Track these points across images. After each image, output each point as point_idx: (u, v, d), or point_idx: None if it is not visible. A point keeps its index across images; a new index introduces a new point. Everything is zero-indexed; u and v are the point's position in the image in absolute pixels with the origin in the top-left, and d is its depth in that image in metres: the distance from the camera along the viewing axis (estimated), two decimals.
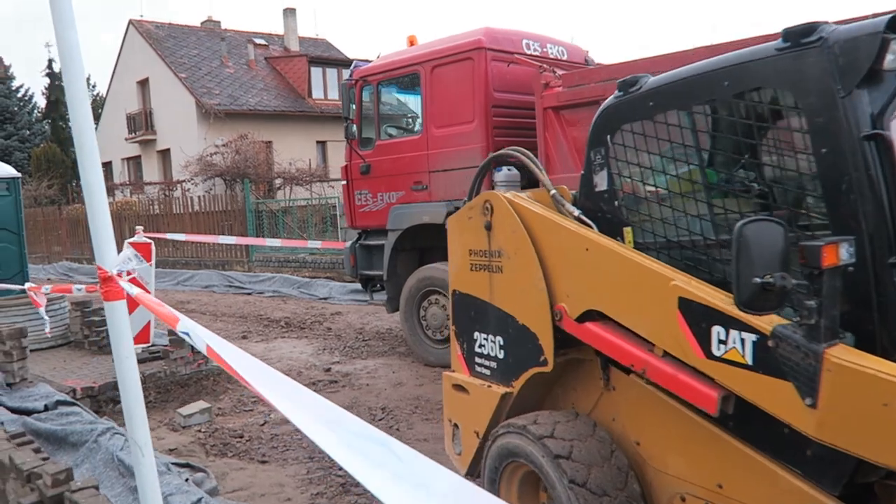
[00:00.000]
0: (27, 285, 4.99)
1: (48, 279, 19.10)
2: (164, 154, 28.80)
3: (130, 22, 30.08)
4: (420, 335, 7.65)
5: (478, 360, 3.66)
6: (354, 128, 7.94)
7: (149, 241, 7.38)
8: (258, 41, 31.94)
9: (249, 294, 14.04)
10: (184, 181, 24.53)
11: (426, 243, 8.01)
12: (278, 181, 25.19)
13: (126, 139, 30.34)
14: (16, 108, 37.92)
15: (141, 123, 29.53)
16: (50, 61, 41.17)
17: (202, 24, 32.59)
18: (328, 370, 7.72)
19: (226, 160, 24.83)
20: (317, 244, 11.36)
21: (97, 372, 7.08)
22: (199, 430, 5.99)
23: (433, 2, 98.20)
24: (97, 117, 39.36)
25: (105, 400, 6.59)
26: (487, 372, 3.58)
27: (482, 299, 3.56)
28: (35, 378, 6.49)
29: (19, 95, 39.45)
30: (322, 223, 17.53)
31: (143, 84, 29.76)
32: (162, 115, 28.53)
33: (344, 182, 8.39)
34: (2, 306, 8.17)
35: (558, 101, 6.34)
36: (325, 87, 30.01)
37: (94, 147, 2.34)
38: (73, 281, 19.18)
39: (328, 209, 18.24)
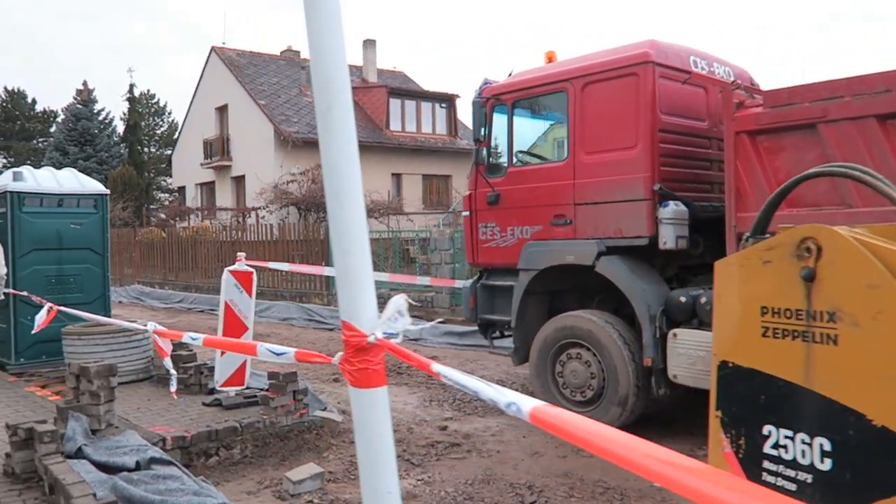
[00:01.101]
0: (151, 327, 4.09)
1: (119, 302, 18.65)
2: (239, 180, 28.58)
3: (213, 49, 30.22)
4: (555, 394, 6.54)
5: (769, 464, 2.55)
6: (484, 152, 6.97)
7: (250, 269, 6.51)
8: None
9: (332, 330, 13.13)
10: (258, 208, 24.10)
11: (560, 287, 6.95)
12: None
13: (202, 164, 30.28)
14: (96, 131, 38.58)
15: (217, 149, 29.44)
16: (131, 86, 42.05)
17: (282, 53, 32.62)
18: (444, 429, 6.65)
19: (301, 189, 24.38)
20: (425, 280, 10.42)
21: (186, 417, 6.17)
22: (311, 501, 4.99)
23: (509, 36, 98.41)
24: (173, 143, 39.86)
25: (197, 452, 5.66)
26: (792, 486, 2.45)
27: (786, 380, 2.46)
28: (121, 422, 5.60)
29: (100, 118, 40.19)
30: (395, 257, 16.67)
31: (222, 110, 29.74)
32: (239, 142, 28.37)
33: (466, 213, 7.41)
34: (82, 334, 7.38)
35: (757, 123, 5.25)
36: (402, 119, 29.52)
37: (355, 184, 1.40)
38: (145, 305, 18.70)
39: (398, 243, 17.33)
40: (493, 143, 7.21)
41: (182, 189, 34.26)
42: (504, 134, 7.12)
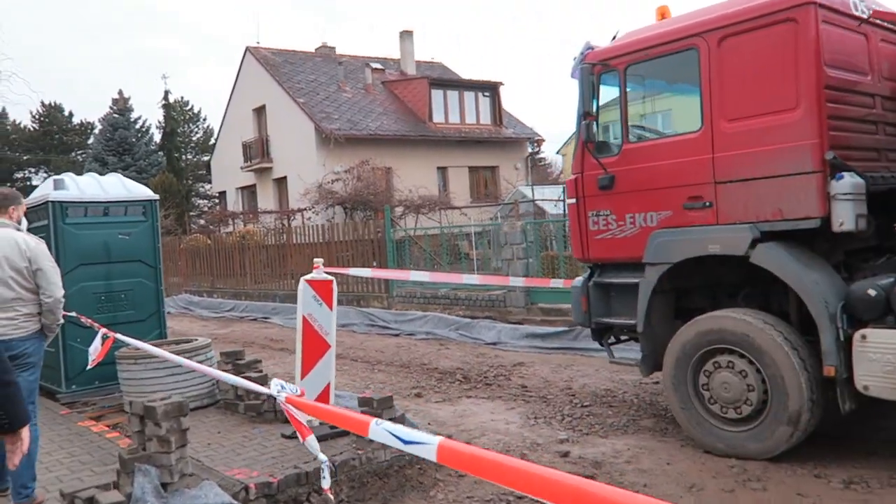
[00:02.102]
0: (277, 390, 3.26)
1: (168, 312, 17.94)
2: (281, 182, 27.85)
3: (247, 49, 29.53)
4: (698, 410, 5.45)
5: None
6: (595, 127, 5.89)
7: (330, 277, 5.53)
8: (374, 65, 30.84)
9: (397, 335, 12.17)
10: (304, 209, 23.29)
11: (690, 283, 5.86)
12: (399, 209, 23.64)
13: (242, 168, 29.64)
14: (133, 140, 38.26)
15: (257, 151, 28.75)
16: (166, 93, 41.71)
17: (316, 49, 31.82)
18: (565, 455, 5.62)
19: (346, 187, 23.53)
20: (518, 281, 9.34)
21: (266, 454, 5.23)
22: None
23: (541, 24, 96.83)
24: (210, 149, 39.36)
25: (285, 500, 4.71)
26: None
27: None
28: (193, 465, 4.66)
29: (137, 127, 39.88)
30: (450, 254, 15.66)
31: (260, 111, 29.04)
32: (279, 143, 27.63)
33: (572, 200, 6.34)
34: (139, 358, 6.49)
35: None
36: (445, 111, 28.53)
37: None
38: (195, 315, 17.99)
39: (447, 238, 16.32)
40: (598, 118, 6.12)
41: (223, 194, 33.70)
42: (615, 105, 6.04)
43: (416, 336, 11.86)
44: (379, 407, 5.14)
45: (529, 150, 31.75)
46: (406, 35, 32.34)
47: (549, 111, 78.84)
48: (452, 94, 29.06)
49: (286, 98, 26.42)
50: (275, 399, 6.25)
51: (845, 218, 4.84)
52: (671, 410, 5.74)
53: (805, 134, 4.90)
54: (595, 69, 5.99)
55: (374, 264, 15.64)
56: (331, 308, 5.52)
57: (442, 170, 28.29)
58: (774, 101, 5.04)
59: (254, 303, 17.45)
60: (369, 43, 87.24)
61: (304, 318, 5.41)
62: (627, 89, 5.95)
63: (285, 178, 27.16)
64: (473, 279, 8.81)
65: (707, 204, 5.42)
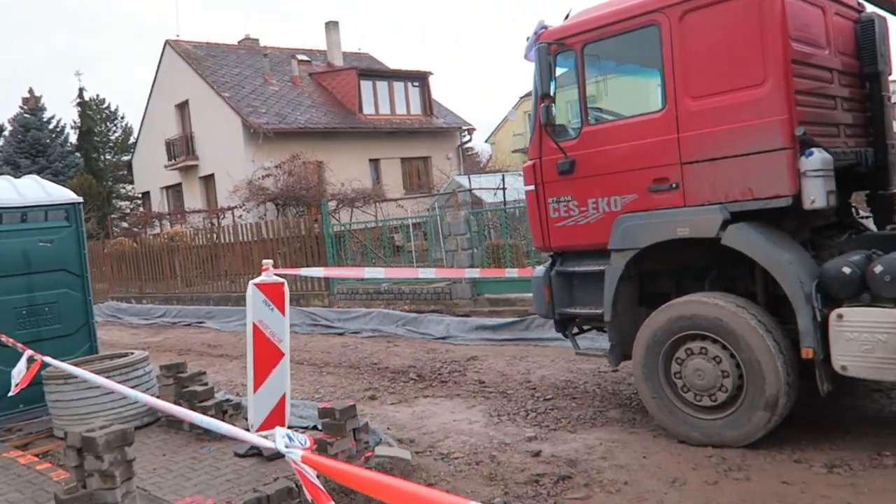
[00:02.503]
0: (295, 455, 2.48)
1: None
2: (208, 180, 26.85)
3: (167, 42, 28.32)
4: (671, 399, 5.29)
5: None
6: (553, 109, 5.63)
7: (281, 280, 5.11)
8: (300, 57, 30.04)
9: (342, 334, 11.75)
10: (234, 207, 22.48)
11: (655, 267, 5.69)
12: (332, 203, 23.11)
13: (166, 166, 28.45)
14: (48, 141, 36.30)
15: (182, 149, 27.63)
16: (80, 90, 39.74)
17: (240, 42, 30.79)
18: (537, 454, 5.36)
19: (277, 183, 22.82)
20: (475, 272, 8.99)
21: (221, 478, 4.80)
22: None
23: (471, 15, 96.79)
24: (130, 148, 37.67)
25: None
26: None
27: None
28: (141, 498, 4.19)
29: (51, 127, 37.84)
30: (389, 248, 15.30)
31: (183, 107, 27.91)
32: (204, 139, 26.60)
33: (530, 187, 6.08)
34: (69, 377, 5.90)
35: None
36: (375, 102, 28.03)
37: None
38: (123, 323, 17.08)
39: (388, 231, 16.02)
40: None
41: (146, 195, 32.33)
42: (572, 86, 5.80)
43: (361, 334, 11.47)
44: (342, 417, 4.77)
45: (461, 139, 31.55)
46: (332, 25, 31.64)
47: (476, 100, 78.99)
48: (382, 85, 28.57)
49: (210, 92, 25.43)
50: (224, 412, 5.86)
51: (816, 195, 4.72)
52: (641, 400, 5.56)
53: (773, 110, 4.75)
54: (551, 49, 5.73)
55: (281, 263, 15.12)
56: (283, 313, 5.11)
57: (374, 162, 27.80)
58: (740, 77, 4.89)
59: (186, 307, 16.68)
60: (294, 34, 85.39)
61: (254, 325, 4.98)
62: (585, 69, 5.70)
63: (213, 175, 26.19)
64: (430, 273, 8.47)
65: (673, 186, 5.24)
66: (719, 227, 4.96)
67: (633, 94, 5.88)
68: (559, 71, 5.88)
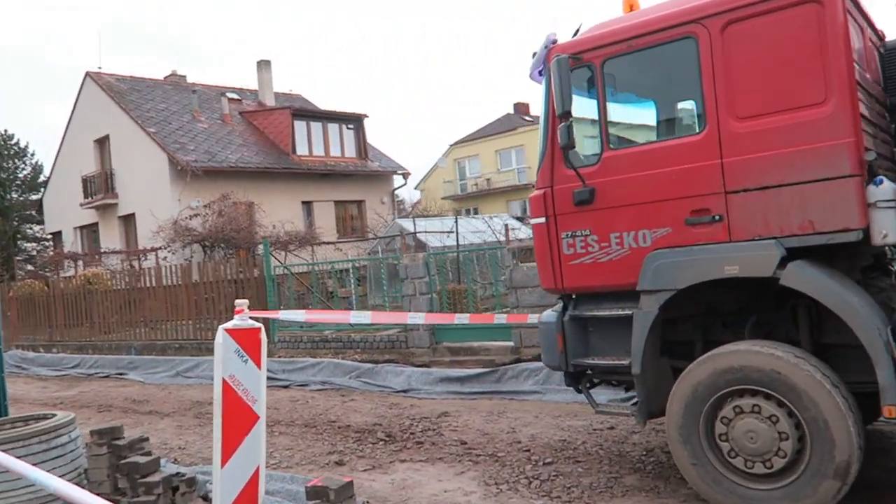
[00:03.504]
0: None
1: None
2: (128, 220, 25.16)
3: (87, 74, 26.75)
4: (716, 466, 4.54)
5: None
6: (569, 131, 4.90)
7: (257, 325, 4.15)
8: (231, 95, 28.91)
9: (287, 387, 10.61)
10: (158, 248, 20.96)
11: (680, 312, 4.99)
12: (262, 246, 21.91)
13: (81, 205, 26.59)
14: None
15: (100, 186, 25.90)
16: None
17: (166, 77, 29.44)
18: None
19: (206, 223, 21.47)
20: (464, 318, 8.08)
21: None
22: None
23: (403, 54, 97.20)
24: (40, 187, 35.29)
25: None
26: None
27: None
28: None
29: None
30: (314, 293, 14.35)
31: (103, 142, 26.28)
32: (125, 176, 25.00)
33: (539, 220, 5.33)
34: None
35: None
36: (309, 143, 27.15)
37: None
38: (31, 374, 15.32)
39: (337, 275, 15.16)
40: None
41: (57, 234, 30.15)
42: (590, 106, 5.13)
43: (310, 387, 10.37)
44: (337, 499, 3.81)
45: (396, 183, 30.91)
46: (264, 64, 30.73)
47: (404, 146, 78.87)
48: (316, 126, 27.74)
49: (134, 127, 23.98)
50: (175, 489, 4.76)
51: (889, 229, 4.15)
52: (678, 467, 4.78)
53: (838, 132, 4.18)
54: (571, 62, 5.06)
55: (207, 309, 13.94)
56: (259, 366, 4.14)
57: (307, 204, 26.78)
58: (796, 96, 4.31)
59: (104, 356, 15.10)
60: (222, 73, 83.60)
61: (224, 381, 4.00)
62: (605, 87, 5.05)
63: (133, 214, 24.56)
64: (419, 318, 7.55)
65: (716, 218, 4.58)
66: (777, 264, 4.31)
67: (663, 115, 5.24)
68: (578, 85, 5.20)
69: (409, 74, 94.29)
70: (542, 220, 5.30)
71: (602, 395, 7.66)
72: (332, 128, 28.16)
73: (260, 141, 26.44)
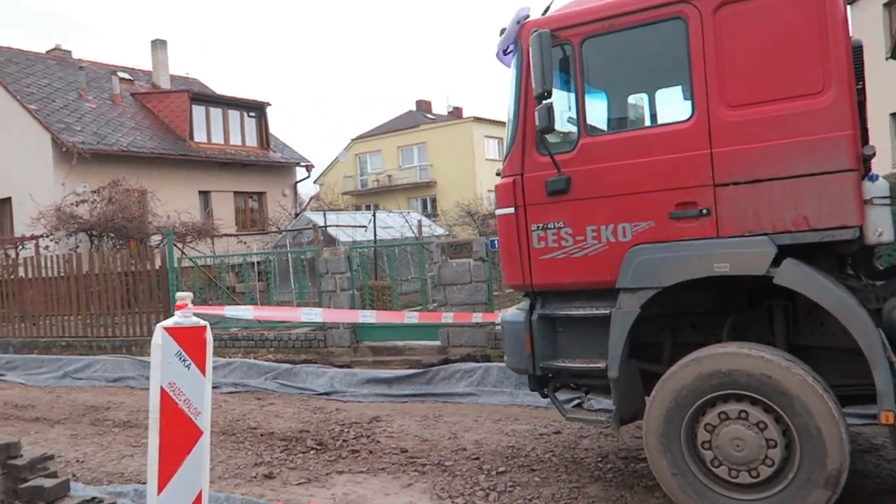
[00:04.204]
0: None
1: None
2: (3, 204, 22.96)
3: None
4: (697, 476, 4.27)
5: None
6: (547, 112, 4.48)
7: (202, 322, 3.51)
8: (122, 75, 27.02)
9: None
10: (39, 237, 19.19)
11: (657, 310, 4.71)
12: (157, 237, 20.62)
13: None
14: None
15: None
16: None
17: (48, 52, 27.17)
18: None
19: (94, 211, 19.85)
20: (448, 318, 7.37)
21: None
22: None
23: (299, 43, 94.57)
24: None
25: None
26: None
27: None
28: None
29: None
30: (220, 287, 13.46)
31: None
32: (1, 156, 22.79)
33: (506, 210, 4.91)
34: None
35: None
36: (208, 130, 25.73)
37: None
38: None
39: (225, 270, 14.30)
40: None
41: None
42: (567, 88, 4.76)
43: (221, 389, 9.55)
44: None
45: (299, 176, 29.87)
46: (159, 44, 28.93)
47: (303, 141, 77.00)
48: (216, 113, 26.32)
49: (12, 103, 21.89)
50: None
51: (884, 227, 4.01)
52: (656, 477, 4.47)
53: (836, 123, 3.98)
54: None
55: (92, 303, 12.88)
56: (204, 372, 3.50)
57: (205, 194, 25.38)
58: (793, 85, 4.09)
59: None
60: (112, 52, 78.80)
61: (162, 390, 3.34)
62: (583, 69, 4.68)
63: (9, 199, 22.43)
64: (370, 316, 6.90)
65: (704, 212, 4.31)
66: (770, 262, 4.07)
67: (647, 100, 4.93)
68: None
69: (313, 67, 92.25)
70: (510, 210, 4.89)
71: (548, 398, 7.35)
72: (233, 115, 26.82)
73: (154, 125, 24.80)
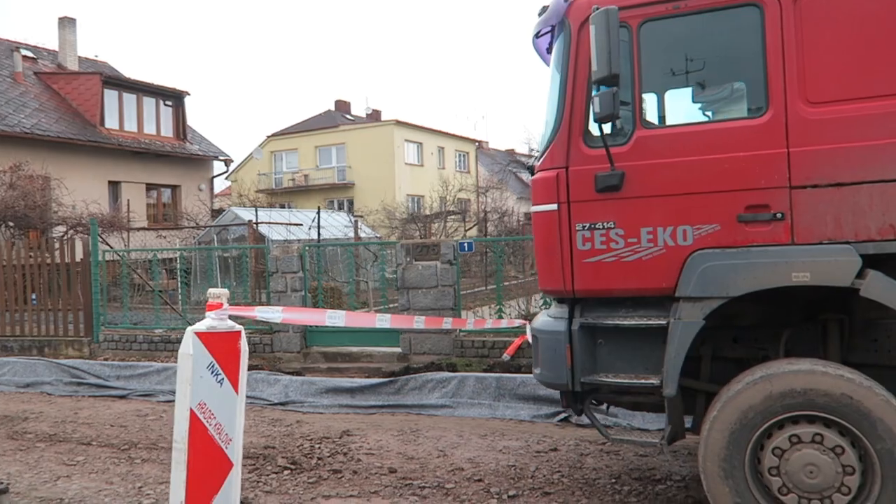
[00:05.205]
0: None
1: None
2: None
3: None
4: (759, 503, 3.89)
5: None
6: (615, 97, 3.98)
7: (237, 327, 2.83)
8: (25, 52, 24.95)
9: (124, 397, 8.74)
10: None
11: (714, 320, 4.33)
12: (61, 228, 19.08)
13: None
14: None
15: None
16: None
17: None
18: None
19: None
20: (448, 323, 6.60)
21: None
22: None
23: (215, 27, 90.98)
24: None
25: None
26: None
27: None
28: None
29: None
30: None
31: None
32: None
33: (547, 207, 4.41)
34: None
35: None
36: (120, 117, 24.15)
37: None
38: None
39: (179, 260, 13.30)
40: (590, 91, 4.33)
41: None
42: (626, 75, 4.30)
43: (157, 398, 8.60)
44: None
45: (216, 170, 28.48)
46: (67, 22, 26.93)
47: (218, 134, 74.11)
48: (129, 98, 24.75)
49: None
50: None
51: None
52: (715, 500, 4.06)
53: None
54: (583, 24, 4.22)
55: (33, 299, 11.62)
56: (237, 388, 2.82)
57: (115, 184, 23.75)
58: (886, 82, 3.78)
59: None
60: (11, 28, 73.36)
61: (192, 413, 2.64)
62: (641, 54, 4.25)
63: None
64: (385, 321, 6.15)
65: (777, 216, 3.94)
66: (856, 272, 3.74)
67: (714, 93, 4.53)
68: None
69: (224, 59, 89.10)
70: (552, 207, 4.39)
71: (524, 410, 6.90)
72: (148, 102, 25.26)
73: (62, 107, 22.99)
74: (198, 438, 2.66)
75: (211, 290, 2.82)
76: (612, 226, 4.25)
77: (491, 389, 7.51)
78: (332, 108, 49.95)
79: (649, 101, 4.40)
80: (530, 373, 8.03)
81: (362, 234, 21.35)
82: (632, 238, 4.22)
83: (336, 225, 17.40)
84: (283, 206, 39.66)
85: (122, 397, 8.74)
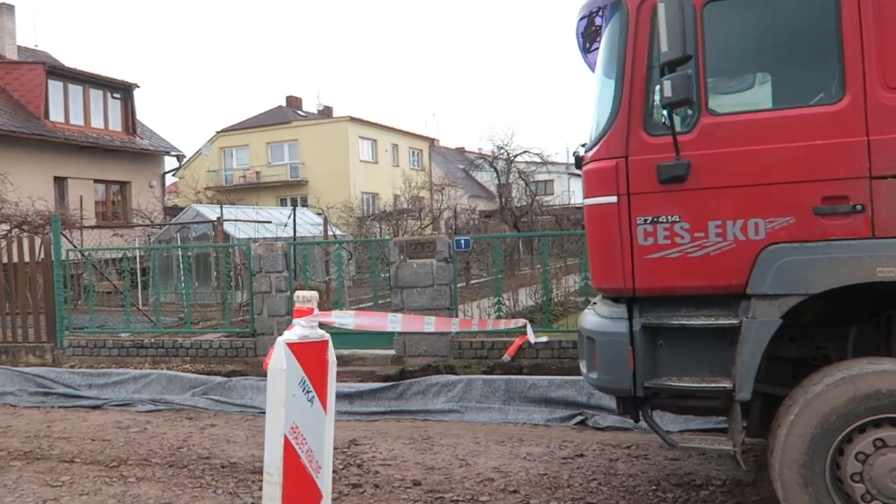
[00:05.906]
0: None
1: None
2: None
3: None
4: None
5: None
6: (690, 80, 3.70)
7: (326, 336, 2.45)
8: None
9: (100, 408, 8.14)
10: None
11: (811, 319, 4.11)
12: (4, 226, 18.09)
13: None
14: None
15: None
16: None
17: None
18: None
19: None
20: (457, 325, 6.21)
21: None
22: None
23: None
24: None
25: None
26: None
27: None
28: None
29: None
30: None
31: None
32: None
33: (606, 199, 4.11)
34: None
35: None
36: (66, 110, 23.07)
37: None
38: None
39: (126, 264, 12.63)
40: (650, 79, 4.05)
41: None
42: (693, 58, 4.03)
43: (136, 407, 8.03)
44: None
45: (168, 166, 27.51)
46: (5, 9, 25.58)
47: (168, 129, 71.91)
48: (75, 90, 23.66)
49: None
50: None
51: None
52: None
53: None
54: (641, 4, 3.96)
55: None
56: (325, 408, 2.45)
57: (61, 180, 22.66)
58: None
59: None
60: None
61: (286, 439, 2.26)
62: (705, 36, 4.00)
63: None
64: (455, 325, 5.70)
65: (857, 208, 3.73)
66: None
67: (786, 77, 4.29)
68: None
69: (170, 53, 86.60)
70: (609, 199, 4.09)
71: (538, 413, 6.66)
72: (96, 94, 24.18)
73: (2, 98, 21.80)
74: (291, 468, 2.28)
75: (298, 294, 2.42)
76: (677, 219, 3.99)
77: (500, 392, 7.21)
78: (284, 103, 48.97)
79: (716, 87, 4.14)
80: (536, 374, 7.79)
81: (331, 233, 20.84)
82: (698, 232, 3.96)
83: (302, 223, 16.84)
84: (233, 204, 38.71)
85: (96, 408, 8.14)
